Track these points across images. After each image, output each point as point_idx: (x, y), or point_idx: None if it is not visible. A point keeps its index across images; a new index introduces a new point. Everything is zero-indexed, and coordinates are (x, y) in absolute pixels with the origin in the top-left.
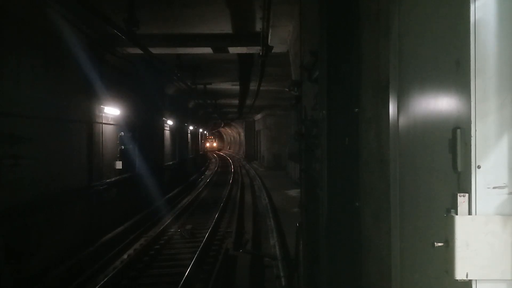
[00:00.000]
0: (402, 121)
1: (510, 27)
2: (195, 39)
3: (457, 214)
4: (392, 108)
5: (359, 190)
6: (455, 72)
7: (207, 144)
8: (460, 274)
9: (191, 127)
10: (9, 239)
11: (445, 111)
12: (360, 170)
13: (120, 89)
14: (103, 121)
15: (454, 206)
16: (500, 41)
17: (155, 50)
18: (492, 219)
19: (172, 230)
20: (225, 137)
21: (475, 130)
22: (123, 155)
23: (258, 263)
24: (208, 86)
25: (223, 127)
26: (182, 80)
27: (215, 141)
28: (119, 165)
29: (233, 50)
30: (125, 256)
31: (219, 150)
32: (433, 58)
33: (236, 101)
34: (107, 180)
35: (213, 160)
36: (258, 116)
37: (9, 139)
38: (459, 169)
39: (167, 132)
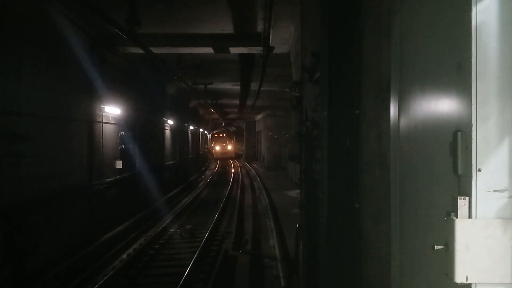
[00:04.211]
0: (403, 123)
1: None
2: (196, 39)
3: (457, 217)
4: (393, 110)
5: (359, 191)
6: (456, 75)
7: (217, 148)
8: (460, 277)
9: (191, 127)
10: (10, 237)
11: (446, 114)
12: (360, 172)
13: (121, 88)
14: (103, 120)
15: (454, 209)
16: (501, 44)
17: (156, 50)
18: (492, 222)
19: (172, 230)
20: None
21: (476, 134)
22: (124, 155)
23: (257, 264)
24: (209, 86)
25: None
26: (183, 80)
27: (229, 142)
28: (119, 164)
29: (234, 50)
30: (125, 256)
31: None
32: (435, 60)
33: (237, 101)
34: (107, 179)
35: (213, 160)
36: (258, 117)
37: (10, 137)
38: (460, 172)
39: (167, 132)
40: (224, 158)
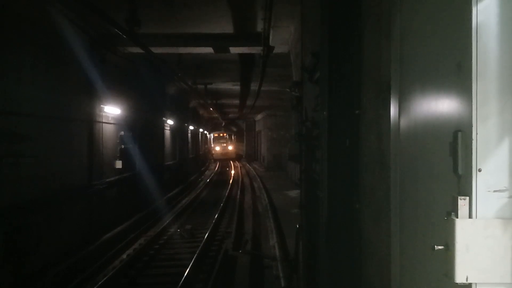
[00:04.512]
0: (403, 123)
1: None
2: (196, 39)
3: (457, 217)
4: (393, 110)
5: (359, 191)
6: (456, 75)
7: (217, 148)
8: (460, 277)
9: (191, 127)
10: (9, 237)
11: (446, 114)
12: (360, 172)
13: (121, 88)
14: (103, 120)
15: (454, 209)
16: (501, 44)
17: (156, 50)
18: (492, 222)
19: (171, 230)
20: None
21: (476, 133)
22: (123, 155)
23: (257, 264)
24: (209, 86)
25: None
26: (183, 80)
27: (230, 142)
28: (119, 164)
29: (234, 50)
30: (125, 256)
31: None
32: (434, 60)
33: (237, 101)
34: (107, 179)
35: (213, 160)
36: (258, 117)
37: (10, 138)
38: (460, 172)
39: (167, 132)
40: (224, 159)
